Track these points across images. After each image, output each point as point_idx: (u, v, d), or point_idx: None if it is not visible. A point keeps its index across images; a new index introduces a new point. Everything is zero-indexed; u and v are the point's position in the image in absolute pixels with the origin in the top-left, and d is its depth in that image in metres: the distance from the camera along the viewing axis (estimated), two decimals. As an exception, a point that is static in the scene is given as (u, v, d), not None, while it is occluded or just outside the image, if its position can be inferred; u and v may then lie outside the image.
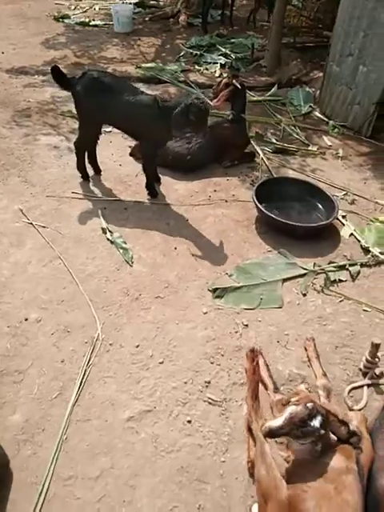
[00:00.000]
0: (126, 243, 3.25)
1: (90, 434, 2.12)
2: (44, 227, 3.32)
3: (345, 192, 4.13)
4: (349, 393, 2.39)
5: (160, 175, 4.06)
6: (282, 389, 2.39)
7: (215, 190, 4.01)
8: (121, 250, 3.19)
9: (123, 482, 1.96)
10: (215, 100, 4.22)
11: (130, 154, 4.36)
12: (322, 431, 1.70)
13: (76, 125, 4.76)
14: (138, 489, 1.95)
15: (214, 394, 2.34)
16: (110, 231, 3.32)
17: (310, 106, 5.86)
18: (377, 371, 2.48)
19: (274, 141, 4.91)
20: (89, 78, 3.31)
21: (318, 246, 3.47)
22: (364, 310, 2.92)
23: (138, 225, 3.46)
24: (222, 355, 2.55)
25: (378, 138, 5.24)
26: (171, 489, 1.96)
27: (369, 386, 2.43)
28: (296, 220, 3.54)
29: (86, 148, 3.78)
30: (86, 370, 2.39)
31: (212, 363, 2.51)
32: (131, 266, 3.09)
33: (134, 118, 3.34)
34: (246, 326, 2.75)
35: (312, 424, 1.69)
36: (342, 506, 1.67)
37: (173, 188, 3.96)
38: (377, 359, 2.45)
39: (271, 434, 1.73)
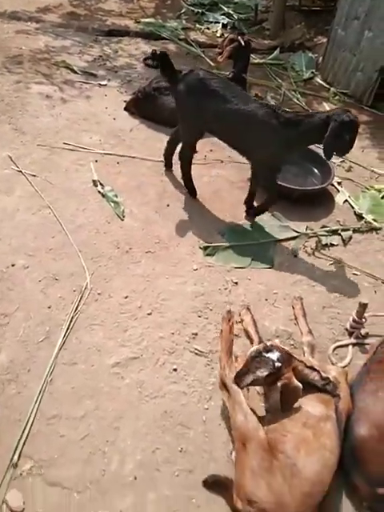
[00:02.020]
0: (117, 197, 3.21)
1: (76, 377, 2.15)
2: (34, 176, 3.27)
3: (342, 159, 4.10)
4: (333, 351, 2.44)
5: (155, 131, 4.00)
6: (272, 339, 2.42)
7: (211, 150, 3.96)
8: (112, 204, 3.16)
9: (107, 424, 2.00)
10: (219, 56, 4.12)
11: (125, 109, 4.27)
12: (278, 363, 1.79)
13: (70, 75, 4.67)
14: (122, 430, 1.99)
15: (201, 346, 2.37)
16: (101, 184, 3.28)
17: (312, 72, 5.75)
18: (362, 331, 2.53)
19: (274, 102, 4.84)
20: (193, 78, 2.85)
21: (312, 210, 3.47)
22: (354, 274, 2.95)
23: (131, 180, 3.42)
24: (211, 310, 2.58)
25: (379, 107, 5.18)
26: (154, 432, 2.00)
27: (354, 345, 2.48)
28: (291, 183, 3.52)
29: (189, 156, 3.23)
30: (73, 317, 2.40)
31: (200, 317, 2.53)
32: (122, 219, 3.07)
33: (245, 131, 2.83)
34: (236, 283, 2.77)
35: (266, 355, 1.81)
36: (319, 449, 1.74)
37: (168, 145, 3.89)
38: (363, 320, 2.50)
39: (237, 377, 1.85)
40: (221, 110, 2.80)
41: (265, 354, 1.84)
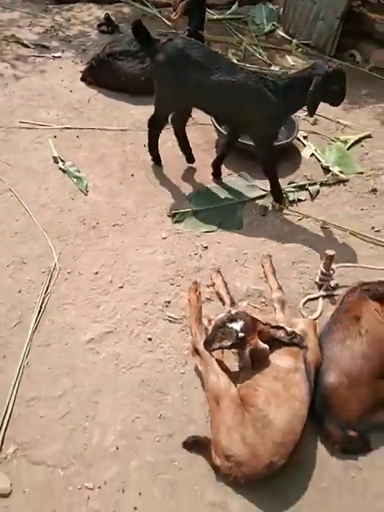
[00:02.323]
0: (79, 172, 3.13)
1: (51, 357, 2.14)
2: (-8, 159, 3.15)
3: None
4: (304, 304, 2.46)
5: (114, 99, 3.86)
6: (239, 303, 2.44)
7: (174, 114, 3.83)
8: (74, 179, 3.07)
9: (86, 399, 2.01)
10: (173, 14, 3.92)
11: (81, 79, 4.09)
12: (241, 334, 1.83)
13: (21, 50, 4.44)
14: (101, 404, 2.00)
15: (174, 313, 2.37)
16: (61, 160, 3.18)
17: (273, 25, 5.55)
18: (332, 283, 2.54)
19: (235, 61, 4.67)
20: (173, 48, 2.65)
21: (280, 167, 3.40)
22: (322, 228, 2.95)
23: (92, 152, 3.32)
24: (182, 276, 2.57)
25: (342, 57, 5.05)
26: (133, 401, 2.02)
27: (324, 297, 2.50)
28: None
29: (159, 127, 3.08)
30: (44, 299, 2.37)
31: (172, 285, 2.52)
32: (86, 194, 3.00)
33: (236, 104, 2.68)
34: (206, 248, 2.75)
35: (230, 326, 1.85)
36: (289, 399, 1.79)
37: (128, 112, 3.78)
38: (331, 271, 2.51)
39: (206, 342, 1.91)
40: (204, 82, 2.61)
41: (228, 324, 1.87)
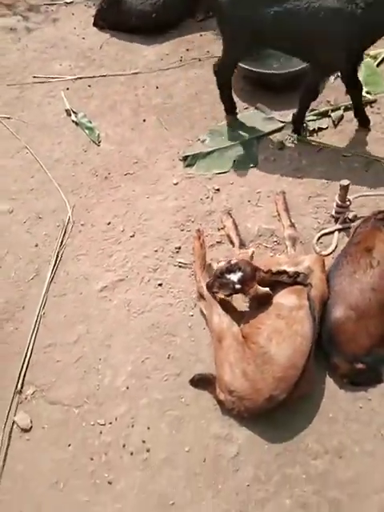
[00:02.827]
0: (91, 122, 3.09)
1: (66, 306, 2.25)
2: (8, 118, 3.19)
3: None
4: (318, 240, 2.35)
5: (127, 42, 3.71)
6: (251, 244, 2.39)
7: (188, 50, 3.63)
8: (87, 131, 3.05)
9: (98, 344, 2.12)
10: None
11: (94, 24, 3.94)
12: (238, 286, 1.83)
13: (33, 1, 4.33)
14: (113, 347, 2.10)
15: (184, 258, 2.37)
16: (74, 112, 3.15)
17: None
18: (350, 215, 2.39)
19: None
20: None
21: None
22: (343, 156, 2.74)
23: (104, 101, 3.26)
24: (193, 221, 2.53)
25: None
26: (143, 344, 2.10)
27: (340, 230, 2.37)
28: (276, 68, 3.19)
29: (228, 75, 2.83)
30: (59, 251, 2.45)
31: (182, 230, 2.50)
32: (98, 145, 2.98)
33: (311, 28, 2.33)
34: (218, 190, 2.67)
35: (228, 276, 1.84)
36: (291, 335, 1.77)
37: (141, 54, 3.62)
38: (348, 202, 2.35)
39: (208, 287, 1.93)
40: (280, 14, 2.31)
41: (227, 275, 1.86)
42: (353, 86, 2.70)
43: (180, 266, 2.35)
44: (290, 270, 1.89)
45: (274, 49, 2.72)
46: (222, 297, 2.00)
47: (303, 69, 3.07)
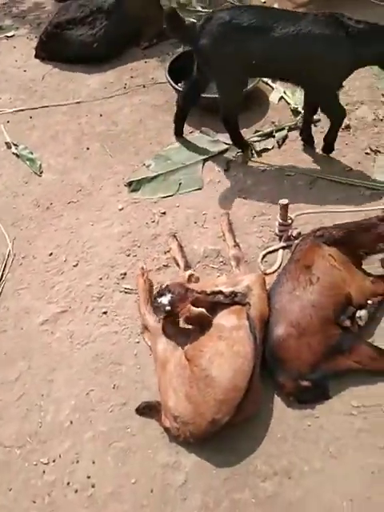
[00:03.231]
0: (32, 153, 3.20)
1: (7, 343, 2.29)
2: None
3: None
4: (263, 258, 2.49)
5: (69, 72, 3.89)
6: (198, 265, 2.50)
7: (132, 77, 3.84)
8: (28, 162, 3.16)
9: (40, 379, 2.15)
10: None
11: (36, 56, 4.12)
12: (168, 308, 1.94)
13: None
14: (56, 382, 2.14)
15: (130, 284, 2.45)
16: (14, 145, 3.26)
17: None
18: (294, 233, 2.54)
19: (200, 8, 4.56)
20: (221, 24, 2.42)
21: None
22: (287, 175, 2.92)
23: (46, 131, 3.39)
24: (139, 246, 2.64)
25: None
26: (87, 376, 2.15)
27: (284, 248, 2.51)
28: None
29: (236, 117, 2.87)
30: (-2, 287, 2.50)
31: (128, 256, 2.60)
32: (40, 176, 3.08)
33: (304, 55, 2.46)
34: (164, 213, 2.79)
35: (159, 300, 1.97)
36: (232, 356, 1.85)
37: (84, 83, 3.80)
38: (289, 221, 2.50)
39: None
40: (268, 45, 2.42)
41: (158, 299, 1.99)
42: (313, 104, 2.91)
43: (126, 292, 2.43)
44: (227, 290, 2.00)
45: (268, 77, 2.94)
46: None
47: (253, 86, 3.30)
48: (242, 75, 2.67)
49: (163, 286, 2.03)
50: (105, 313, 2.36)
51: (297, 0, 4.57)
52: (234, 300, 1.98)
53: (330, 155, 2.99)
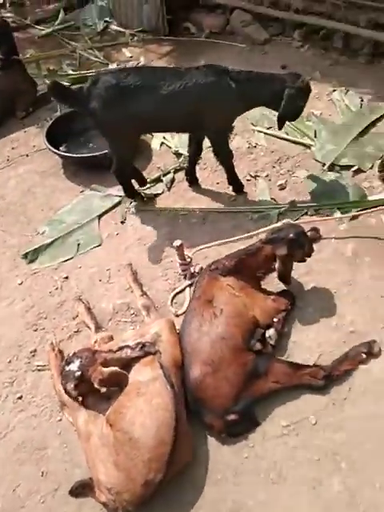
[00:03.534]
0: None
1: None
2: None
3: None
4: (172, 300, 2.48)
5: None
6: (110, 323, 2.44)
7: (13, 148, 3.80)
8: None
9: None
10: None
11: None
12: (78, 373, 1.86)
13: None
14: (-23, 486, 1.94)
15: (42, 360, 2.33)
16: None
17: (106, 21, 5.59)
18: (196, 269, 2.57)
19: (71, 71, 4.67)
20: (107, 87, 2.45)
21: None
22: (181, 215, 2.99)
23: None
24: (45, 318, 2.53)
25: (178, 33, 5.17)
26: (11, 469, 1.98)
27: (190, 286, 2.53)
28: (102, 149, 3.44)
29: (128, 172, 2.96)
30: None
31: (36, 331, 2.48)
32: None
33: (193, 106, 2.55)
34: (66, 278, 2.72)
35: (68, 368, 1.89)
36: (153, 411, 1.80)
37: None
38: (188, 259, 2.54)
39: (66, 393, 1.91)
40: (158, 102, 2.49)
41: (66, 367, 1.90)
42: (197, 147, 3.01)
43: (39, 370, 2.30)
44: (134, 342, 1.96)
45: (161, 132, 2.99)
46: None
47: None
48: (132, 134, 2.72)
49: (70, 354, 1.94)
50: (20, 397, 2.21)
51: (160, 50, 4.88)
52: (143, 351, 1.94)
53: (217, 189, 3.10)
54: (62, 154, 3.39)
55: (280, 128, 2.81)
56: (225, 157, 2.90)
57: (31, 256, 2.87)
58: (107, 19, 5.61)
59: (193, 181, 3.18)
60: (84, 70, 4.64)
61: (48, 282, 2.72)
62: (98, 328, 2.35)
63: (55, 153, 3.37)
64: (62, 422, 2.09)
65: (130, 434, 1.76)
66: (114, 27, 5.54)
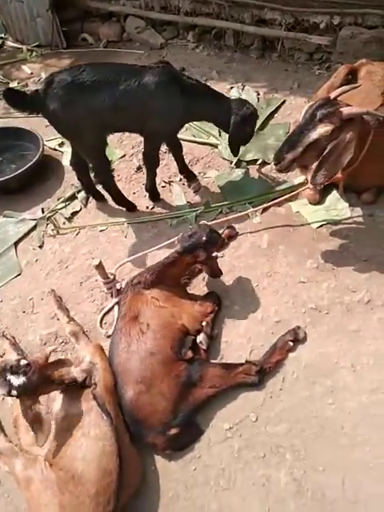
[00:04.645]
0: None
1: None
2: None
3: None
4: (101, 321, 2.35)
5: None
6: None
7: None
8: None
9: None
10: None
11: None
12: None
13: None
14: None
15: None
16: None
17: (1, 37, 5.23)
18: (122, 284, 2.44)
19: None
20: (63, 86, 2.25)
21: (44, 187, 3.24)
22: (101, 231, 2.84)
23: None
24: (-33, 363, 2.28)
25: (76, 44, 4.94)
26: None
27: (118, 303, 2.39)
28: (10, 172, 3.20)
29: (109, 173, 2.73)
30: None
31: None
32: None
33: (145, 103, 2.37)
34: (-14, 316, 2.48)
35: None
36: (91, 444, 1.69)
37: None
38: (111, 276, 2.40)
39: None
40: (115, 98, 2.31)
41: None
42: (175, 147, 2.89)
43: (-31, 419, 2.08)
44: (79, 375, 1.81)
45: (120, 131, 2.77)
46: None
47: (31, 167, 3.14)
48: (96, 133, 2.47)
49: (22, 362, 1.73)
50: None
51: (60, 64, 4.64)
52: (85, 383, 1.80)
53: (134, 199, 2.97)
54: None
55: (235, 154, 2.81)
56: (152, 162, 2.76)
57: None
58: (1, 35, 5.27)
59: (189, 177, 3.03)
60: (-20, 91, 4.30)
61: (-32, 321, 2.47)
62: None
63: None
64: (1, 471, 1.90)
65: (73, 470, 1.64)
66: (10, 43, 5.21)
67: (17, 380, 1.68)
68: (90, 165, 2.74)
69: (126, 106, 2.36)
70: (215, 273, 2.32)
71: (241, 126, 2.58)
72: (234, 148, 2.75)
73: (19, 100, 2.37)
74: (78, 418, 1.74)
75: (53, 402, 1.88)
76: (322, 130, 2.02)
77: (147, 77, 2.36)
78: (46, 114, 2.37)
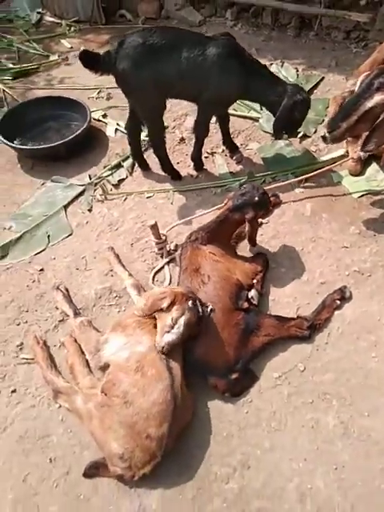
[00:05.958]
0: None
1: None
2: None
3: (98, 90, 3.91)
4: (153, 279, 2.44)
5: None
6: (94, 309, 2.36)
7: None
8: None
9: (-33, 487, 1.83)
10: None
11: None
12: None
13: None
14: (-15, 483, 1.83)
15: (30, 352, 2.22)
16: None
17: (39, 12, 5.30)
18: (172, 246, 2.54)
19: (11, 65, 4.38)
20: (133, 46, 2.32)
21: (89, 155, 3.32)
22: (147, 198, 2.92)
23: None
24: (27, 311, 2.40)
25: (114, 21, 5.00)
26: (18, 461, 1.88)
27: (168, 263, 2.49)
28: (57, 139, 3.28)
29: (163, 139, 2.78)
30: None
31: (18, 325, 2.35)
32: None
33: (206, 73, 2.42)
34: (42, 270, 2.59)
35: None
36: (148, 383, 1.76)
37: None
38: (163, 237, 2.49)
39: None
40: (178, 64, 2.38)
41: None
42: (224, 120, 2.98)
43: (28, 363, 2.19)
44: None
45: (175, 96, 2.75)
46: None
47: (83, 130, 3.22)
48: (159, 96, 2.55)
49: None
50: (14, 391, 2.09)
51: (99, 39, 4.70)
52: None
53: (179, 169, 3.03)
54: (18, 147, 3.20)
55: (276, 137, 2.81)
56: (202, 131, 2.83)
57: (2, 252, 2.70)
58: (40, 10, 5.32)
59: (231, 148, 3.09)
60: (25, 63, 4.39)
61: (23, 275, 2.58)
62: (77, 314, 2.26)
63: (10, 146, 3.18)
64: (62, 408, 2.01)
65: (128, 397, 1.74)
66: (48, 18, 5.27)
67: None
68: (146, 128, 2.78)
69: (188, 73, 2.42)
70: (253, 237, 2.35)
71: (291, 110, 2.54)
72: (278, 131, 2.70)
73: (93, 60, 2.44)
74: (141, 356, 1.83)
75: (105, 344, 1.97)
76: (379, 97, 2.07)
77: (211, 47, 2.40)
78: (115, 72, 2.45)
